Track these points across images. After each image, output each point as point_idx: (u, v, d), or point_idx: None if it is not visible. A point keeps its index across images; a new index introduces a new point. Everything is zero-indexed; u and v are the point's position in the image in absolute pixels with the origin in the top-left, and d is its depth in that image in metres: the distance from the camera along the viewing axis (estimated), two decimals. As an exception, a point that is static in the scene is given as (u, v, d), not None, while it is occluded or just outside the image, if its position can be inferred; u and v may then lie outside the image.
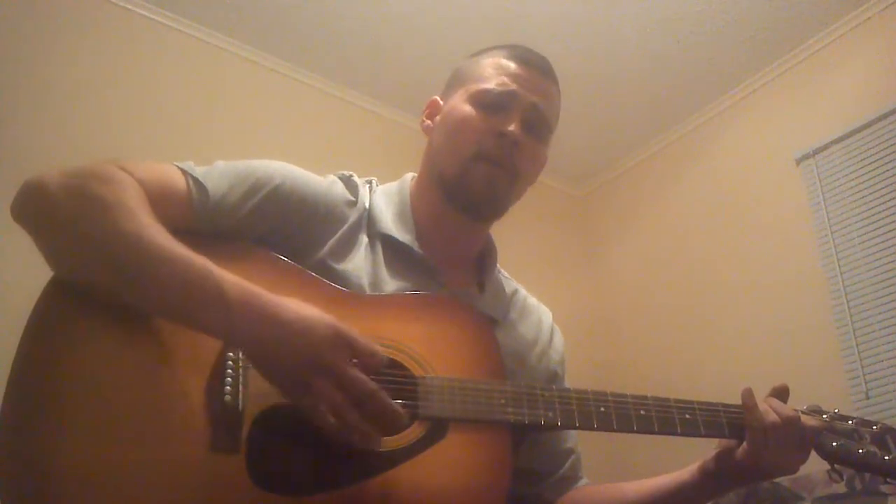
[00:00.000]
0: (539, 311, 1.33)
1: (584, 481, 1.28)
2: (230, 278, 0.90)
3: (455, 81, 1.25)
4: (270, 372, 0.90)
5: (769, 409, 1.10)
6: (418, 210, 1.22)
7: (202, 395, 0.91)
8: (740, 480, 1.16)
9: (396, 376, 0.99)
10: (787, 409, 1.12)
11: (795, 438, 1.10)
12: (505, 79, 1.18)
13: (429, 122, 1.27)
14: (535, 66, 1.21)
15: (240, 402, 0.91)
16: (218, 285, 0.89)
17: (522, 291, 1.33)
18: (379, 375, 0.97)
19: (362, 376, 0.88)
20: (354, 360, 0.90)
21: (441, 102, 1.26)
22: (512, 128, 1.15)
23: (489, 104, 1.17)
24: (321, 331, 0.89)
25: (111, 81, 2.68)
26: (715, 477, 1.14)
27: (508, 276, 1.33)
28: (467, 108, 1.18)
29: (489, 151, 1.16)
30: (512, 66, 1.20)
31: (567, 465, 1.26)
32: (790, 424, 1.10)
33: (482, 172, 1.16)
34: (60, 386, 0.88)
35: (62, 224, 0.93)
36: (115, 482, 0.85)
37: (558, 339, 1.32)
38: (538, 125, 1.20)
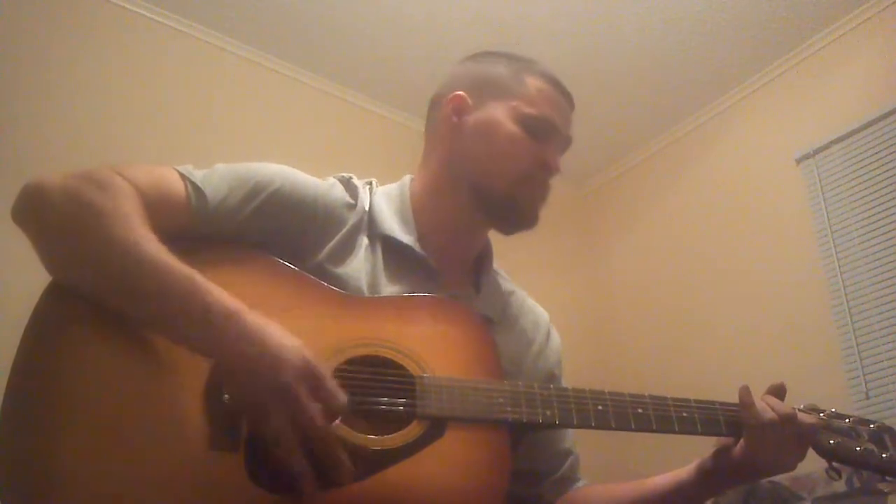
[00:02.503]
0: (536, 312, 1.33)
1: (582, 482, 1.28)
2: (215, 293, 0.90)
3: (491, 88, 1.22)
4: (236, 391, 0.90)
5: (766, 407, 1.10)
6: (420, 212, 1.21)
7: (201, 394, 0.91)
8: (738, 478, 1.15)
9: (394, 376, 0.99)
10: (785, 406, 1.12)
11: (793, 436, 1.10)
12: (549, 109, 1.21)
13: (456, 118, 1.23)
14: (569, 99, 1.25)
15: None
16: (202, 299, 0.89)
17: (520, 292, 1.33)
18: (377, 375, 0.98)
19: (316, 416, 0.87)
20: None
21: (469, 101, 1.22)
22: (557, 161, 1.21)
23: (535, 131, 1.19)
24: (293, 360, 0.88)
25: (111, 81, 2.69)
26: (713, 475, 1.14)
27: (506, 277, 1.33)
28: (516, 130, 1.19)
29: (536, 180, 1.20)
30: (554, 95, 1.22)
31: (566, 465, 1.26)
32: (787, 422, 1.10)
33: (529, 194, 1.20)
34: (60, 386, 0.88)
35: (58, 229, 0.94)
36: (114, 481, 0.85)
37: (555, 342, 1.32)
38: (563, 153, 1.25)
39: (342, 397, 0.90)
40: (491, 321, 1.20)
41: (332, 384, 0.90)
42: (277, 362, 0.87)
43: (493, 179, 1.19)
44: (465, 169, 1.21)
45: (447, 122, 1.23)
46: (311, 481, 0.88)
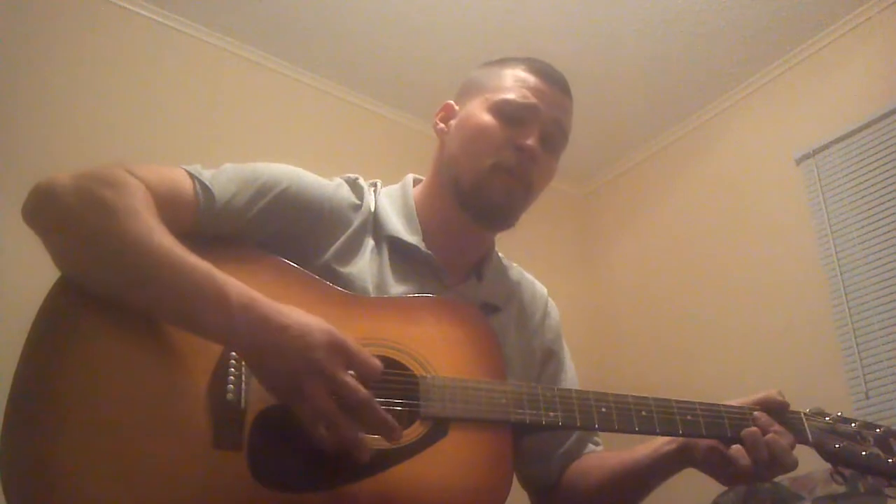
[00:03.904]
0: (534, 287, 1.33)
1: (590, 448, 1.27)
2: (233, 283, 0.91)
3: (472, 89, 1.24)
4: (266, 376, 0.91)
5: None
6: (424, 213, 1.22)
7: (205, 392, 0.91)
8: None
9: (398, 376, 1.00)
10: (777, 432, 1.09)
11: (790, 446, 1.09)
12: (526, 91, 1.18)
13: (442, 125, 1.26)
14: (556, 82, 1.22)
15: (242, 400, 0.92)
16: (220, 290, 0.90)
17: (516, 268, 1.34)
18: (378, 377, 0.98)
19: (356, 384, 0.89)
20: (350, 372, 0.91)
21: (456, 107, 1.26)
22: (531, 142, 1.16)
23: (509, 115, 1.17)
24: (317, 336, 0.89)
25: (111, 81, 2.68)
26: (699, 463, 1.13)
27: (502, 255, 1.33)
28: (487, 118, 1.18)
29: (507, 164, 1.16)
30: (533, 79, 1.20)
31: (571, 439, 1.26)
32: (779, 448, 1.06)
33: (500, 183, 1.16)
34: (65, 384, 0.88)
35: (72, 228, 0.94)
36: (118, 479, 0.85)
37: (553, 317, 1.33)
38: (555, 140, 1.21)
39: (375, 362, 0.92)
40: (496, 308, 1.21)
41: (362, 352, 0.92)
42: (305, 342, 0.88)
43: (463, 171, 1.18)
44: (447, 168, 1.22)
45: (436, 129, 1.26)
46: (365, 448, 0.89)
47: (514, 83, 1.19)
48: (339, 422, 0.88)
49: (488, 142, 1.17)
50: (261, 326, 0.89)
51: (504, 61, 1.25)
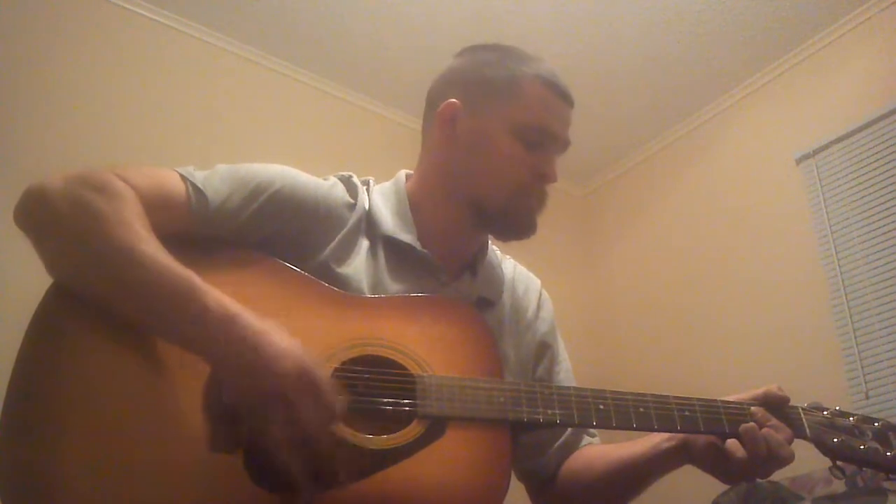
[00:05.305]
0: (527, 280, 1.33)
1: (587, 441, 1.27)
2: (214, 296, 0.90)
3: (485, 94, 1.19)
4: (230, 391, 0.89)
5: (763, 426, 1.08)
6: (419, 211, 1.21)
7: (201, 395, 0.91)
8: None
9: (395, 375, 1.00)
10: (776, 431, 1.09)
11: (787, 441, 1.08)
12: (547, 117, 1.18)
13: (449, 128, 1.20)
14: (569, 100, 1.22)
15: None
16: (200, 302, 0.89)
17: (509, 261, 1.33)
18: (377, 374, 0.98)
19: (314, 423, 0.88)
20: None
21: (462, 108, 1.19)
22: (552, 170, 1.19)
23: (532, 141, 1.17)
24: (289, 363, 0.88)
25: (111, 81, 2.68)
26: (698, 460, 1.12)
27: (496, 248, 1.32)
28: (512, 143, 1.16)
29: (532, 191, 1.18)
30: (552, 99, 1.19)
31: (568, 432, 1.26)
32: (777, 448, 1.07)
33: (525, 209, 1.19)
34: (61, 388, 0.88)
35: (59, 232, 0.94)
36: (115, 483, 0.85)
37: (547, 309, 1.33)
38: (560, 155, 1.23)
39: (339, 405, 0.90)
40: (491, 303, 1.22)
41: (330, 391, 0.90)
42: (275, 367, 0.87)
43: (489, 194, 1.18)
44: (460, 182, 1.19)
45: (440, 130, 1.21)
46: (308, 485, 0.88)
47: (535, 103, 1.18)
48: (288, 454, 0.86)
49: (515, 170, 1.17)
50: (236, 343, 0.88)
51: (517, 67, 1.20)
